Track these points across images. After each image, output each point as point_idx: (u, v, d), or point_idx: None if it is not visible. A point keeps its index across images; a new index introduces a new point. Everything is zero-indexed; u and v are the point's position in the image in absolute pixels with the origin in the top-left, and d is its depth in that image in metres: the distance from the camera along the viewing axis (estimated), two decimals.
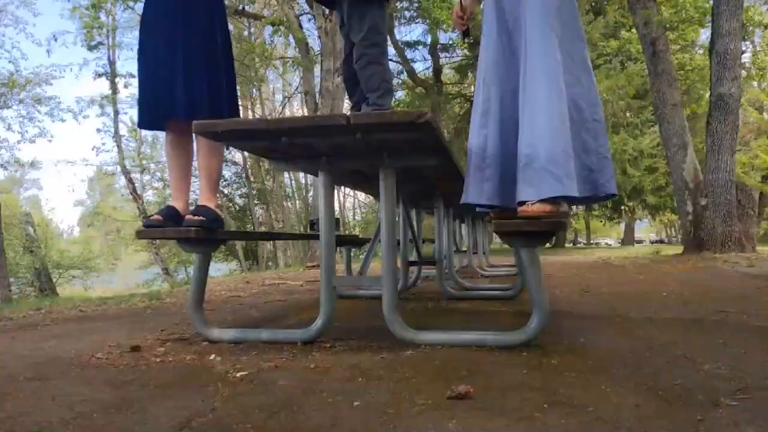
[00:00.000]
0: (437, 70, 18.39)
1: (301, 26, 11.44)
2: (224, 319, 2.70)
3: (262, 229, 17.77)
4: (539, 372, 1.46)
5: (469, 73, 19.77)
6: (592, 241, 41.02)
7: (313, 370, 1.52)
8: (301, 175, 24.40)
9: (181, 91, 1.96)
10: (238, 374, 1.48)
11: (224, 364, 1.62)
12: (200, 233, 1.80)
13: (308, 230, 12.05)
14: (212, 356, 1.72)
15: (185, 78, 1.97)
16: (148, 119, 2.04)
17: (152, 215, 1.86)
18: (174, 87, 1.97)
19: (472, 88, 20.74)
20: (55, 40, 14.27)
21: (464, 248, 5.88)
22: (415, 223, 3.67)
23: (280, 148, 1.71)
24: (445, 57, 19.46)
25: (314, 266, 8.19)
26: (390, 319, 1.84)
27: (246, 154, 14.11)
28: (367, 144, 1.65)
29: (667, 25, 7.65)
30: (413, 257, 3.62)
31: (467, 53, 16.89)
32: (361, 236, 3.69)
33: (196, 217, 1.82)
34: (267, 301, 3.55)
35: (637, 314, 2.47)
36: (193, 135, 2.11)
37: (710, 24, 9.44)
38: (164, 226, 1.84)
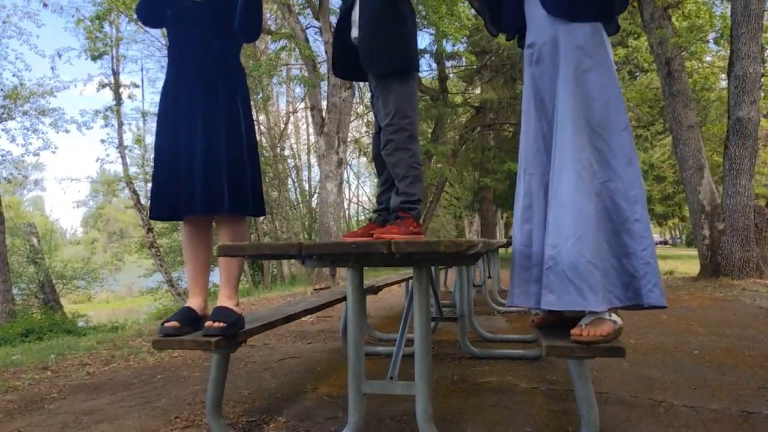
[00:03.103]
0: (442, 78, 18.23)
1: (307, 40, 11.29)
2: (240, 395, 2.56)
3: (267, 239, 17.65)
4: None
5: (474, 79, 19.65)
6: None
7: None
8: (305, 181, 24.31)
9: (201, 187, 1.83)
10: None
11: None
12: (221, 343, 1.66)
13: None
14: None
15: (205, 172, 1.84)
16: (163, 213, 1.90)
17: (168, 320, 1.73)
18: (193, 182, 1.83)
19: (478, 91, 20.60)
20: (59, 57, 14.15)
21: (479, 283, 5.75)
22: (433, 272, 3.54)
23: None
24: (451, 64, 19.33)
25: (322, 288, 8.06)
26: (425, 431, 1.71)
27: None
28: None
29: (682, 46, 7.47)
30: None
31: (473, 61, 16.72)
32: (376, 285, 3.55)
33: (215, 324, 1.68)
34: (281, 358, 3.41)
35: (679, 399, 2.33)
36: (213, 225, 1.98)
37: (721, 40, 9.29)
38: (182, 333, 1.71)
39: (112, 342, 4.32)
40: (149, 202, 1.91)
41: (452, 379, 2.72)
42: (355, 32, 2.07)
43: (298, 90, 19.97)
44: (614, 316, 1.55)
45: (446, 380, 2.69)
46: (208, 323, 1.70)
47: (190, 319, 1.78)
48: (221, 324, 1.69)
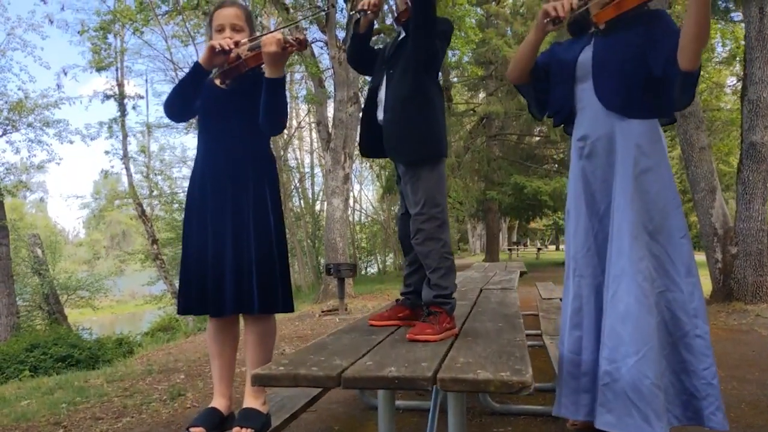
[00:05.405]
0: (447, 87, 18.15)
1: (313, 54, 11.24)
2: None
3: None
4: None
5: (479, 86, 19.55)
6: None
7: None
8: (308, 186, 24.27)
9: (231, 290, 1.78)
10: None
11: None
12: None
13: (324, 271, 11.74)
14: None
15: (235, 274, 1.79)
16: (191, 309, 1.85)
17: (193, 425, 1.66)
18: (223, 284, 1.79)
19: (481, 96, 20.47)
20: (65, 74, 14.15)
21: None
22: None
23: None
24: (455, 72, 19.26)
25: (330, 311, 8.00)
26: None
27: None
28: None
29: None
30: None
31: (478, 73, 16.63)
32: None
33: (243, 430, 1.62)
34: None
35: None
36: (240, 318, 1.92)
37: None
38: None
39: (122, 384, 4.26)
40: (176, 296, 1.86)
41: None
42: (380, 114, 2.00)
43: (302, 94, 19.95)
44: None
45: None
46: (236, 430, 1.64)
47: (215, 422, 1.72)
48: (249, 430, 1.63)
